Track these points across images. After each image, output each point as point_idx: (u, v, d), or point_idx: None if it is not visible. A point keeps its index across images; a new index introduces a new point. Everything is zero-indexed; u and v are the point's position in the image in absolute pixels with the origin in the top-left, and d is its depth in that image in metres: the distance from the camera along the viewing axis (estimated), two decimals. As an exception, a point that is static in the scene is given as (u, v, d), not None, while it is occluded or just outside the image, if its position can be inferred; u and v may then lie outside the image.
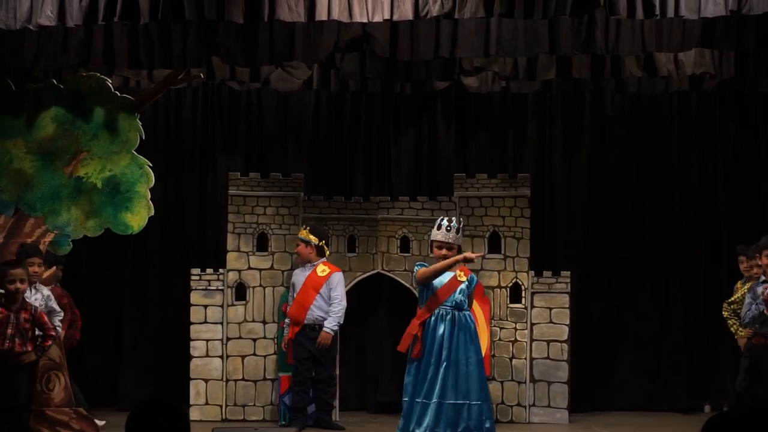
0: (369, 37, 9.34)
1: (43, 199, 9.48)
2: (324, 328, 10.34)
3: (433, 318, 8.65)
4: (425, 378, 8.56)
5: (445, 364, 8.51)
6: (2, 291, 8.49)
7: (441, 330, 8.60)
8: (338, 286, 10.47)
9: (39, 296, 9.01)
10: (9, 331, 8.37)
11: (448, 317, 8.63)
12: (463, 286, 8.73)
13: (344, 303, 10.44)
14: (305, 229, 10.61)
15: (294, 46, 9.37)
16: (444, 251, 8.72)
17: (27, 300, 8.64)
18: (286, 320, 10.53)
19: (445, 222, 8.79)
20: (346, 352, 11.17)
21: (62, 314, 9.20)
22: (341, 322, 10.43)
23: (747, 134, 11.66)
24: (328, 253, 10.60)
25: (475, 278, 9.04)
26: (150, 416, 4.32)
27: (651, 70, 10.28)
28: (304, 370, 10.43)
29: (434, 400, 8.49)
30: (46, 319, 8.58)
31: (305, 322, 10.38)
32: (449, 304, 8.67)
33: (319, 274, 10.47)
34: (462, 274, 8.77)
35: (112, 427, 10.05)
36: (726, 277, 11.05)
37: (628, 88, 11.39)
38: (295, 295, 10.48)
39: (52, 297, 9.16)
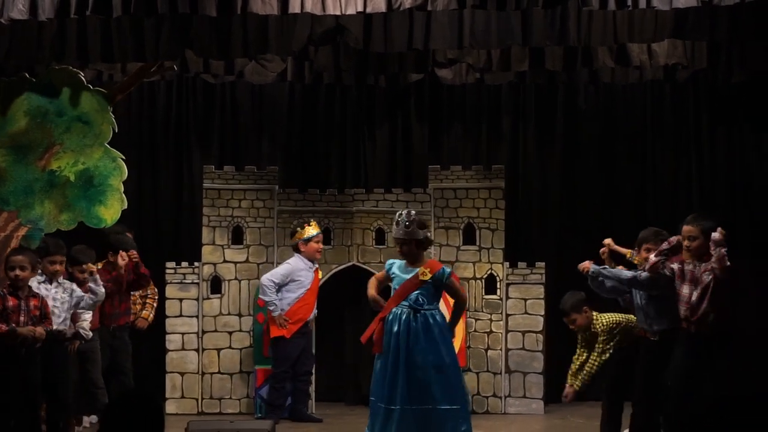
0: (342, 29, 9.34)
1: (16, 193, 9.46)
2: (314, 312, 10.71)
3: (390, 317, 8.27)
4: (384, 380, 8.24)
5: (402, 367, 8.16)
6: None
7: (395, 329, 8.22)
8: None
9: (60, 290, 9.05)
10: (22, 318, 8.42)
11: (404, 317, 8.23)
12: (426, 286, 8.29)
13: None
14: (316, 224, 10.68)
15: (267, 38, 9.37)
16: (399, 248, 8.40)
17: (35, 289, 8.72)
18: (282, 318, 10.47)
19: (396, 217, 8.43)
20: (323, 344, 11.18)
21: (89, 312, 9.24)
22: None
23: (720, 125, 11.71)
24: None
25: (447, 271, 8.44)
26: (125, 410, 4.33)
27: (623, 60, 10.32)
28: (290, 367, 10.47)
29: (397, 406, 8.16)
30: (48, 310, 8.64)
31: (308, 319, 10.60)
32: (406, 303, 8.28)
33: (319, 275, 10.72)
34: (427, 272, 8.32)
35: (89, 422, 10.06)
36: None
37: (601, 79, 11.43)
38: (300, 294, 10.52)
39: (79, 291, 9.18)
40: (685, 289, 8.25)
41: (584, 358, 8.98)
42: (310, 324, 10.69)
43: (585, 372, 8.91)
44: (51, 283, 8.95)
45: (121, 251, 9.89)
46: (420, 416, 8.16)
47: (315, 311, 10.69)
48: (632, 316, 8.98)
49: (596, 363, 8.88)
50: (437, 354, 8.24)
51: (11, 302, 8.41)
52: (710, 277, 8.10)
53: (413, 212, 8.48)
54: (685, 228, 8.25)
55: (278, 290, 10.45)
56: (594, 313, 8.95)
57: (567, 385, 8.99)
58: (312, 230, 10.57)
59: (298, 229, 10.63)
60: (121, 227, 9.96)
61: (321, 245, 10.66)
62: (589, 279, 8.60)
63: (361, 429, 9.95)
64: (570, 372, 9.04)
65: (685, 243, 8.24)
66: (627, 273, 8.53)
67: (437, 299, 8.42)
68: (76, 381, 9.56)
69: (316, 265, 10.65)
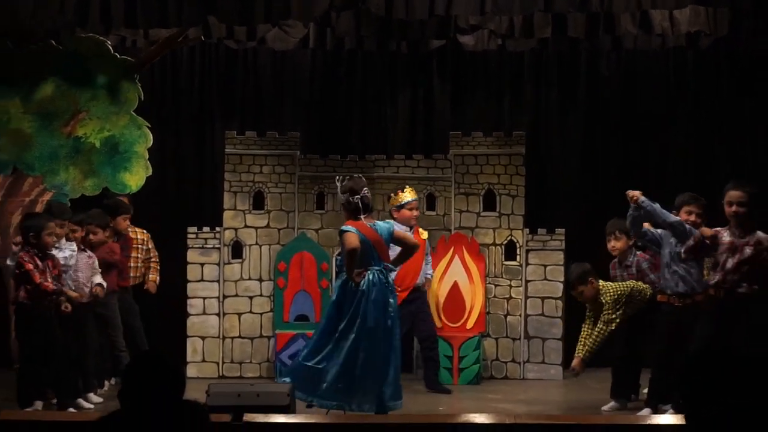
0: (364, -5, 9.38)
1: (42, 159, 9.55)
2: (427, 275, 10.48)
3: None
4: None
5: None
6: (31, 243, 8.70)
7: None
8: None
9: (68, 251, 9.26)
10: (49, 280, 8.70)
11: None
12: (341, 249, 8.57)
13: None
14: (412, 189, 10.48)
15: (290, 4, 9.40)
16: None
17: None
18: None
19: None
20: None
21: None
22: None
23: (743, 93, 11.67)
24: None
25: (340, 229, 8.54)
26: (146, 372, 4.36)
27: (646, 27, 10.31)
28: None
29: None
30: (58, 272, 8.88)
31: (416, 284, 10.28)
32: None
33: (422, 237, 10.36)
34: None
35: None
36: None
37: (624, 45, 11.41)
38: None
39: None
40: (721, 257, 8.23)
41: (592, 328, 9.06)
42: (425, 286, 10.42)
43: (591, 341, 9.00)
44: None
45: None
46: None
47: (430, 272, 10.53)
48: (640, 283, 9.09)
49: (603, 332, 8.97)
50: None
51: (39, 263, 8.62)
52: (751, 250, 8.12)
53: (338, 178, 8.78)
54: (732, 193, 8.21)
55: None
56: (601, 283, 9.03)
57: (575, 355, 9.08)
58: (407, 196, 10.30)
59: (392, 195, 10.38)
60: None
61: (416, 211, 10.33)
62: (631, 209, 8.59)
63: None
64: (579, 342, 9.13)
65: (733, 208, 8.20)
66: (673, 217, 8.50)
67: None
68: (98, 347, 9.69)
69: (413, 226, 10.30)
